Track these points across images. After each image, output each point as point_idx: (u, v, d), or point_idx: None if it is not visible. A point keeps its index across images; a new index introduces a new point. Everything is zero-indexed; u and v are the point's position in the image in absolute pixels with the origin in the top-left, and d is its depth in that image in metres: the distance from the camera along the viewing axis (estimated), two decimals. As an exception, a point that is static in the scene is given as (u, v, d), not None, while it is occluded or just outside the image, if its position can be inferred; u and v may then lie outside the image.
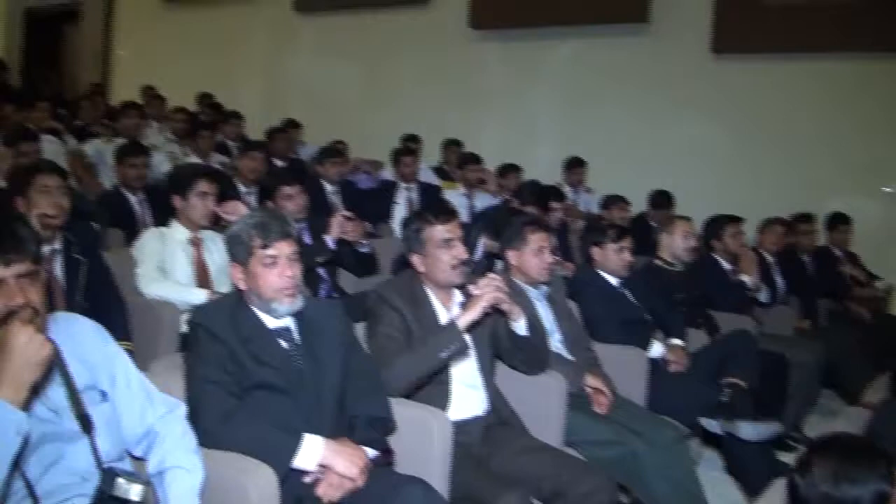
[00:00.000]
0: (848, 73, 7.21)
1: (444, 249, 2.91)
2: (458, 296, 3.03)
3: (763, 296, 5.21)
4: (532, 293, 3.52)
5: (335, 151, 6.34)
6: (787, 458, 3.85)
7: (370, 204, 6.16)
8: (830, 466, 1.67)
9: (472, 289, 2.87)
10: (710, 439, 3.92)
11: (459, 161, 6.95)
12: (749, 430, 3.48)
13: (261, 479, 2.12)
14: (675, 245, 4.52)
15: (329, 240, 4.19)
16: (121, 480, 1.89)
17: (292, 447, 2.28)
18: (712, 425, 3.59)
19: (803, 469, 1.72)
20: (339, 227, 4.22)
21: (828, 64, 7.27)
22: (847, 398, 4.85)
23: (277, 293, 2.42)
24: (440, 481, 2.53)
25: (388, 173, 7.19)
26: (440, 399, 2.85)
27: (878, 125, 7.14)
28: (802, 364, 4.44)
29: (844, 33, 7.07)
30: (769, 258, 5.55)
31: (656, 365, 3.84)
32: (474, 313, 2.79)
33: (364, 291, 3.55)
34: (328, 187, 6.00)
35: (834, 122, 7.26)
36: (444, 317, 2.94)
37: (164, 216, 4.06)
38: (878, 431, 2.45)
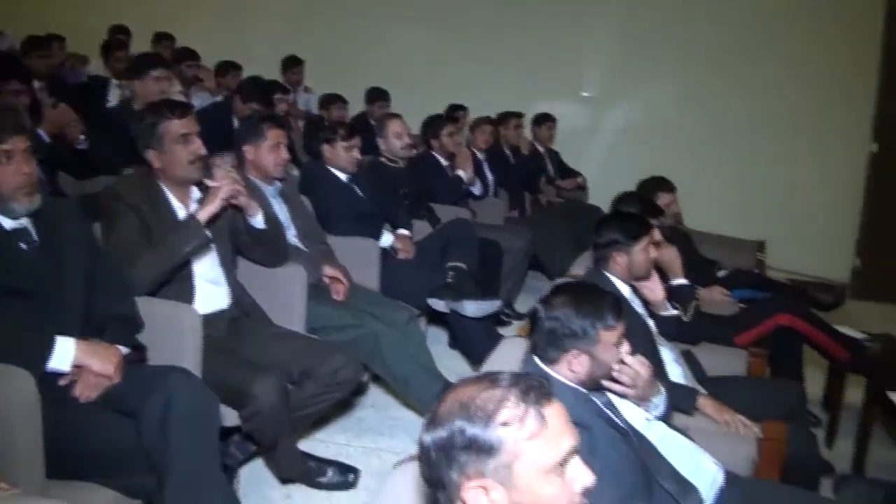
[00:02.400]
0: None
1: (181, 145, 2.88)
2: (195, 192, 3.01)
3: (477, 189, 5.62)
4: (267, 189, 3.58)
5: (42, 42, 5.82)
6: (503, 331, 4.30)
7: (80, 101, 5.76)
8: (569, 299, 2.02)
9: (209, 182, 2.90)
10: (434, 317, 4.26)
11: (174, 56, 6.66)
12: (472, 308, 3.85)
13: (20, 384, 2.08)
14: (391, 145, 4.73)
15: (42, 134, 3.94)
16: None
17: (45, 350, 2.24)
18: (439, 305, 3.93)
19: (546, 302, 2.04)
20: (57, 120, 3.98)
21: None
22: (551, 277, 5.34)
23: (15, 191, 2.29)
24: (194, 373, 2.60)
25: (95, 68, 6.75)
26: (184, 295, 2.88)
27: (578, 40, 7.80)
28: (513, 249, 4.89)
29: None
30: (480, 155, 5.92)
31: (387, 253, 4.12)
32: (213, 206, 2.83)
33: (96, 191, 3.44)
34: (35, 83, 5.53)
35: (530, 33, 7.81)
36: (182, 213, 2.93)
37: None
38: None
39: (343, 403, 3.67)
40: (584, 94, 8.06)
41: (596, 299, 2.04)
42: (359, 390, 3.79)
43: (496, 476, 1.22)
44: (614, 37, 7.95)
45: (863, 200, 7.65)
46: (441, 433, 1.24)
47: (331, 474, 3.08)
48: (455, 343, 4.29)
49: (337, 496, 3.04)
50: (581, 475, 1.28)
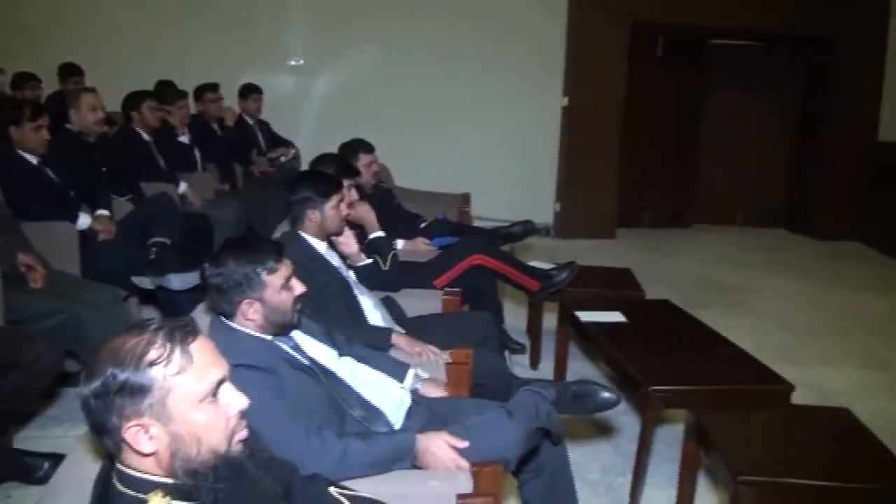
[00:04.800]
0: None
1: None
2: None
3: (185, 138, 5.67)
4: (-53, 180, 3.39)
5: None
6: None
7: None
8: (229, 253, 2.12)
9: None
10: (147, 298, 4.22)
11: None
12: (176, 281, 3.88)
13: None
14: (85, 119, 4.55)
15: None
16: None
17: None
18: (143, 282, 3.90)
19: (214, 258, 2.14)
20: None
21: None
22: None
23: None
24: None
25: None
26: None
27: (283, 8, 7.87)
28: (224, 221, 4.91)
29: None
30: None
31: (87, 235, 4.00)
32: None
33: None
34: None
35: (234, 4, 7.75)
36: None
37: None
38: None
39: (56, 395, 3.59)
40: (292, 62, 8.09)
41: (254, 246, 2.16)
42: (71, 381, 3.70)
43: (152, 413, 1.32)
44: (317, 3, 8.02)
45: (558, 150, 8.34)
46: (96, 383, 1.31)
47: (47, 467, 3.01)
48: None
49: (56, 487, 2.97)
50: (234, 400, 1.40)
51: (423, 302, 3.58)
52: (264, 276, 2.11)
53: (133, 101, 5.24)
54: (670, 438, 3.54)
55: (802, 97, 9.04)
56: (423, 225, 4.86)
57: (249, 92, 6.74)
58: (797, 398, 3.24)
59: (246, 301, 2.09)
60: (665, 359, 3.40)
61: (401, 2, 7.92)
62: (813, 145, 8.86)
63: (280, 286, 2.14)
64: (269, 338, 2.15)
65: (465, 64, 8.01)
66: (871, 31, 8.42)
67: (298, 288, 2.20)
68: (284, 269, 2.16)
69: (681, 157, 9.01)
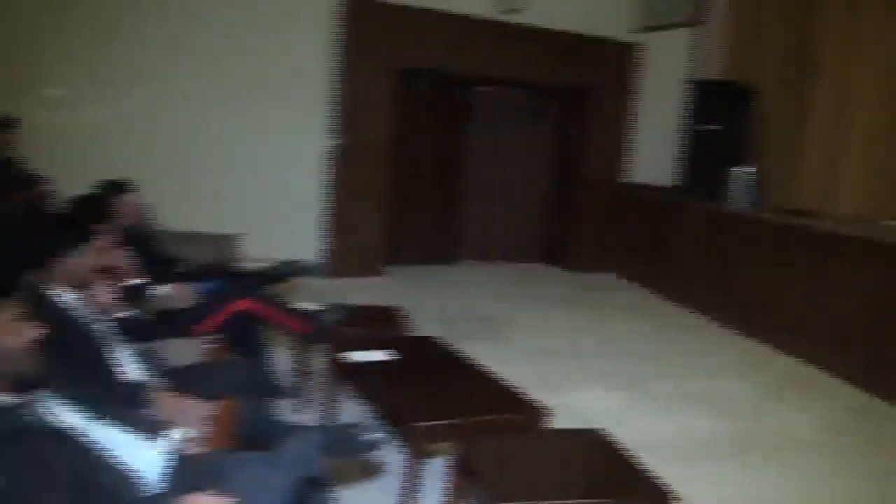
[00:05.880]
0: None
1: None
2: None
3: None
4: None
5: None
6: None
7: None
8: None
9: None
10: None
11: None
12: None
13: None
14: None
15: None
16: None
17: None
18: None
19: None
20: None
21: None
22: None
23: None
24: None
25: None
26: None
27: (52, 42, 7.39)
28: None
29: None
30: None
31: None
32: None
33: None
34: None
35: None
36: None
37: None
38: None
39: None
40: (51, 92, 7.59)
41: None
42: None
43: None
44: (87, 37, 7.60)
45: (326, 190, 8.39)
46: None
47: None
48: None
49: None
50: None
51: (185, 351, 3.47)
52: None
53: None
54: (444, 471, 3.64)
55: (557, 141, 9.70)
56: (185, 269, 4.71)
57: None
58: (561, 422, 3.44)
59: None
60: (427, 394, 3.53)
61: (168, 37, 7.66)
62: (566, 185, 9.57)
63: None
64: (8, 399, 1.99)
65: (233, 103, 7.90)
66: (616, 83, 9.26)
67: (30, 332, 2.04)
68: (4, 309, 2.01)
69: (446, 196, 9.36)
